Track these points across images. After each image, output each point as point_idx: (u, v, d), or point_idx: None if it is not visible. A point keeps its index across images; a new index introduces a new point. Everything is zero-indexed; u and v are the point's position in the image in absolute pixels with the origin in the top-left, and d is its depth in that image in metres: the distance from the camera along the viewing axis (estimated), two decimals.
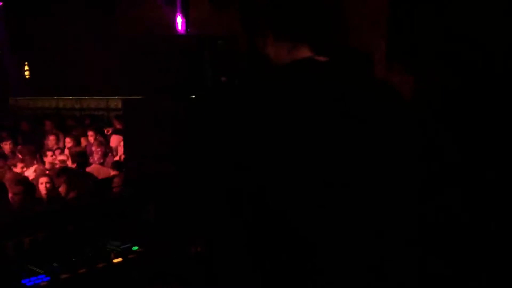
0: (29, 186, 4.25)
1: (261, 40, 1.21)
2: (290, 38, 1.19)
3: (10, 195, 4.00)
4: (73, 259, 2.01)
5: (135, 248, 2.22)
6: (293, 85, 1.12)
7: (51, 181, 4.94)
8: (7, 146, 8.78)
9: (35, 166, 6.57)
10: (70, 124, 10.23)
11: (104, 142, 7.79)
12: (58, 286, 1.84)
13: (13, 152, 8.45)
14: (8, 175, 5.45)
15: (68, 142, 8.17)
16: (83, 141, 8.22)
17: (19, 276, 1.91)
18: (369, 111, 1.15)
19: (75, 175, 5.27)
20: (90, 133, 8.48)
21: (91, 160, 7.16)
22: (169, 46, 2.87)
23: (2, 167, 6.66)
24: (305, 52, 1.20)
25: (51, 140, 8.78)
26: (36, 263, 2.01)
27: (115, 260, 2.11)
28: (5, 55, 12.64)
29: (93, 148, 7.49)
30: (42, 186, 4.82)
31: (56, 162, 6.91)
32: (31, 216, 2.42)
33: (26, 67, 12.77)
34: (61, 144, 8.41)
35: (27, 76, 13.06)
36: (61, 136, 8.92)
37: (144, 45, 2.96)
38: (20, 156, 7.56)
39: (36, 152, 7.46)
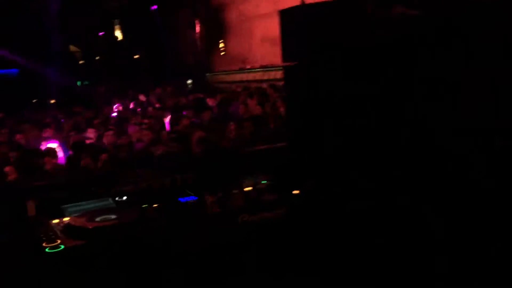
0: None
1: None
2: None
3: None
4: (216, 187, 2.64)
5: (263, 182, 2.76)
6: None
7: None
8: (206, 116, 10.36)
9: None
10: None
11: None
12: (202, 203, 2.49)
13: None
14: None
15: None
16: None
17: (177, 196, 2.63)
18: None
19: None
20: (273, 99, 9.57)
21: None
22: None
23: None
24: None
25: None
26: (192, 189, 2.71)
27: (246, 189, 2.68)
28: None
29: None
30: None
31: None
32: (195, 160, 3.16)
33: (222, 45, 14.27)
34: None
35: (222, 54, 14.62)
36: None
37: None
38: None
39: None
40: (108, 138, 6.64)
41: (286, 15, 3.74)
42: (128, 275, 2.06)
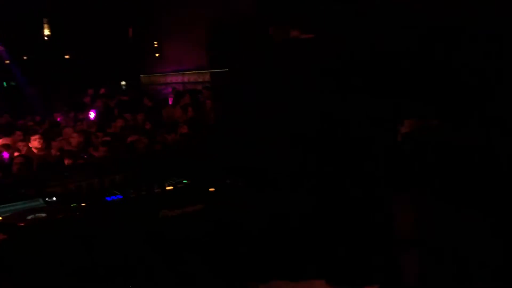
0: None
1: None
2: None
3: None
4: (140, 186, 2.93)
5: (184, 181, 3.07)
6: None
7: None
8: (140, 117, 10.47)
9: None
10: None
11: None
12: (127, 201, 2.77)
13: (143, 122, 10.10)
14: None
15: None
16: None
17: (104, 195, 2.89)
18: None
19: None
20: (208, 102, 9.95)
21: None
22: None
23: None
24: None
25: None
26: (118, 189, 2.98)
27: (168, 188, 2.99)
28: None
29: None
30: None
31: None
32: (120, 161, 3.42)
33: (156, 44, 14.27)
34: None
35: (157, 55, 14.64)
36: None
37: None
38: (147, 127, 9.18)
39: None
40: (34, 143, 6.63)
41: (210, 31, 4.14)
42: (56, 267, 2.31)
